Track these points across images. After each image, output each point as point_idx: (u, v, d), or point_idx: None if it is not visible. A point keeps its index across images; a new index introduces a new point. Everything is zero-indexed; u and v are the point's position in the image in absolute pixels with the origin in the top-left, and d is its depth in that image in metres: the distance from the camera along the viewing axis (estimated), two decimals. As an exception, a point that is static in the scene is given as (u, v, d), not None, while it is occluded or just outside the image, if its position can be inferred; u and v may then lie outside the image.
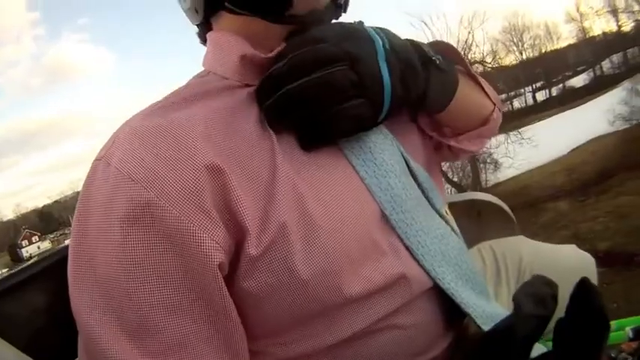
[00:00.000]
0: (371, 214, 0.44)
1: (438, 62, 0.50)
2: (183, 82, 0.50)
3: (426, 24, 9.23)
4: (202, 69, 0.52)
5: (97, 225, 0.37)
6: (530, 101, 25.36)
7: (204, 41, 0.53)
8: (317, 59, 0.41)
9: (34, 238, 51.46)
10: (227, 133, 0.41)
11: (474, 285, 0.48)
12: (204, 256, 0.36)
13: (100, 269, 0.36)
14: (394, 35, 0.48)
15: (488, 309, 0.46)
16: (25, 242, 50.21)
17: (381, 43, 0.45)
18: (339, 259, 0.40)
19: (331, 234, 0.40)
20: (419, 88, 0.48)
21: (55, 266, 0.50)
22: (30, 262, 0.49)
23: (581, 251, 0.72)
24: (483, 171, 9.78)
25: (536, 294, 0.35)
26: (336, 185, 0.43)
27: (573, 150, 10.87)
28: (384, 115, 0.45)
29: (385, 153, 0.48)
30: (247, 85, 0.46)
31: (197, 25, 0.53)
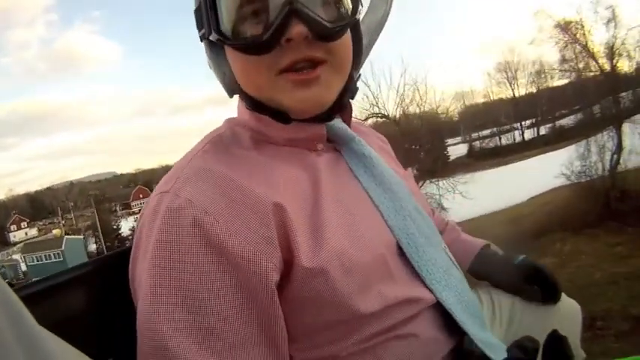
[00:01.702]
0: (390, 246, 0.56)
1: None
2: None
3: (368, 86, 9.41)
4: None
5: (178, 248, 0.45)
6: (518, 138, 25.64)
7: (231, 96, 0.61)
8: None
9: (23, 224, 50.94)
10: (280, 178, 0.52)
11: (471, 311, 0.58)
12: (265, 276, 0.46)
13: (183, 285, 0.44)
14: None
15: (482, 334, 0.56)
16: (13, 227, 49.81)
17: None
18: (366, 281, 0.50)
19: (360, 261, 0.51)
20: None
21: (93, 273, 0.56)
22: (71, 267, 0.55)
23: (569, 298, 0.80)
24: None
25: (523, 346, 0.48)
26: (366, 222, 0.55)
27: (531, 199, 10.73)
28: None
29: (404, 201, 0.60)
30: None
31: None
